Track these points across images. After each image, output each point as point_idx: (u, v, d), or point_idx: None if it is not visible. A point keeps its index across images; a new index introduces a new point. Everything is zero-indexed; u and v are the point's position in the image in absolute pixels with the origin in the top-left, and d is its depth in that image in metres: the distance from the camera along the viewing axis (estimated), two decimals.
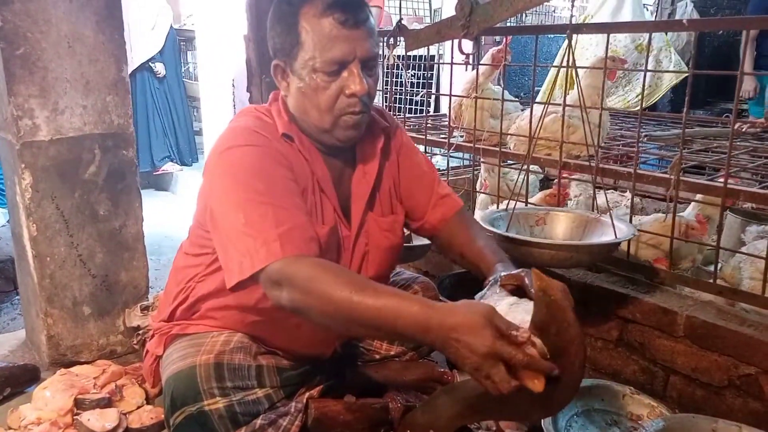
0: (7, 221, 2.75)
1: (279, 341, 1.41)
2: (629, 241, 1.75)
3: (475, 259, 1.41)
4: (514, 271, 1.23)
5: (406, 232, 2.05)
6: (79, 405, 1.56)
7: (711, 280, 1.71)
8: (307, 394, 1.41)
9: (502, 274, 1.24)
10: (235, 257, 1.14)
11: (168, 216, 4.31)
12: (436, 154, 2.94)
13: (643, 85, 1.98)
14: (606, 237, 1.62)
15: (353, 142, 1.37)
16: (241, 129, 1.29)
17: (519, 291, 1.20)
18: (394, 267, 1.58)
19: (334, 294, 1.04)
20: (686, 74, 3.46)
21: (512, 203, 1.75)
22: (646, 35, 3.28)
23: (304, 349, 1.44)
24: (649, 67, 3.48)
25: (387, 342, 1.63)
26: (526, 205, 2.00)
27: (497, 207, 2.25)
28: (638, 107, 3.58)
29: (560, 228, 1.78)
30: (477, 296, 1.22)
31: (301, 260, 1.10)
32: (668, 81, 3.72)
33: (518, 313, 1.08)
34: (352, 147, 1.40)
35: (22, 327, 2.11)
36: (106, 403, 1.59)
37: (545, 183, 2.73)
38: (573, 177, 2.33)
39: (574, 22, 1.92)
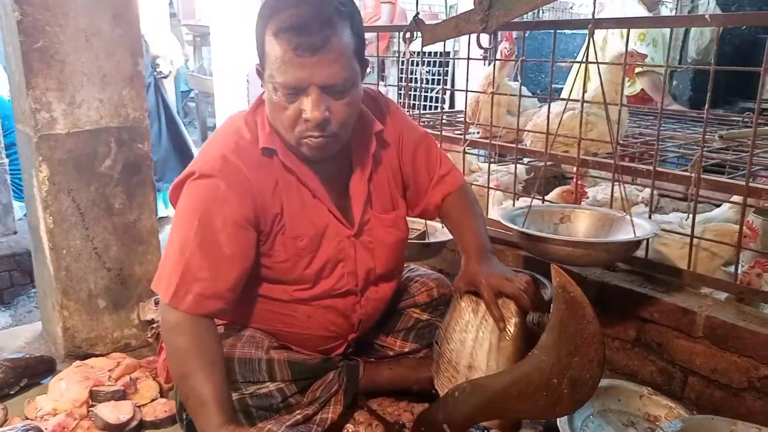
0: (24, 215, 2.78)
1: (290, 334, 1.40)
2: (691, 250, 1.71)
3: (460, 245, 1.46)
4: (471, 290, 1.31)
5: (421, 229, 2.05)
6: (95, 397, 1.57)
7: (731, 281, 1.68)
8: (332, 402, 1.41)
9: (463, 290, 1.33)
10: (164, 278, 1.27)
11: None
12: (450, 151, 2.91)
13: (665, 80, 1.94)
14: (629, 236, 1.59)
15: (326, 159, 1.30)
16: (211, 156, 1.28)
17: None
18: (403, 260, 1.59)
19: (181, 366, 1.24)
20: (703, 70, 3.42)
21: (529, 200, 1.73)
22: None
23: (316, 342, 1.44)
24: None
25: (401, 339, 1.62)
26: (542, 203, 1.97)
27: (513, 204, 2.23)
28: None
29: (584, 226, 1.74)
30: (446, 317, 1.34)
31: (186, 322, 1.24)
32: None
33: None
34: (344, 148, 1.35)
35: (37, 320, 2.13)
36: (121, 395, 1.60)
37: (561, 180, 2.70)
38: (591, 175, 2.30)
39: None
